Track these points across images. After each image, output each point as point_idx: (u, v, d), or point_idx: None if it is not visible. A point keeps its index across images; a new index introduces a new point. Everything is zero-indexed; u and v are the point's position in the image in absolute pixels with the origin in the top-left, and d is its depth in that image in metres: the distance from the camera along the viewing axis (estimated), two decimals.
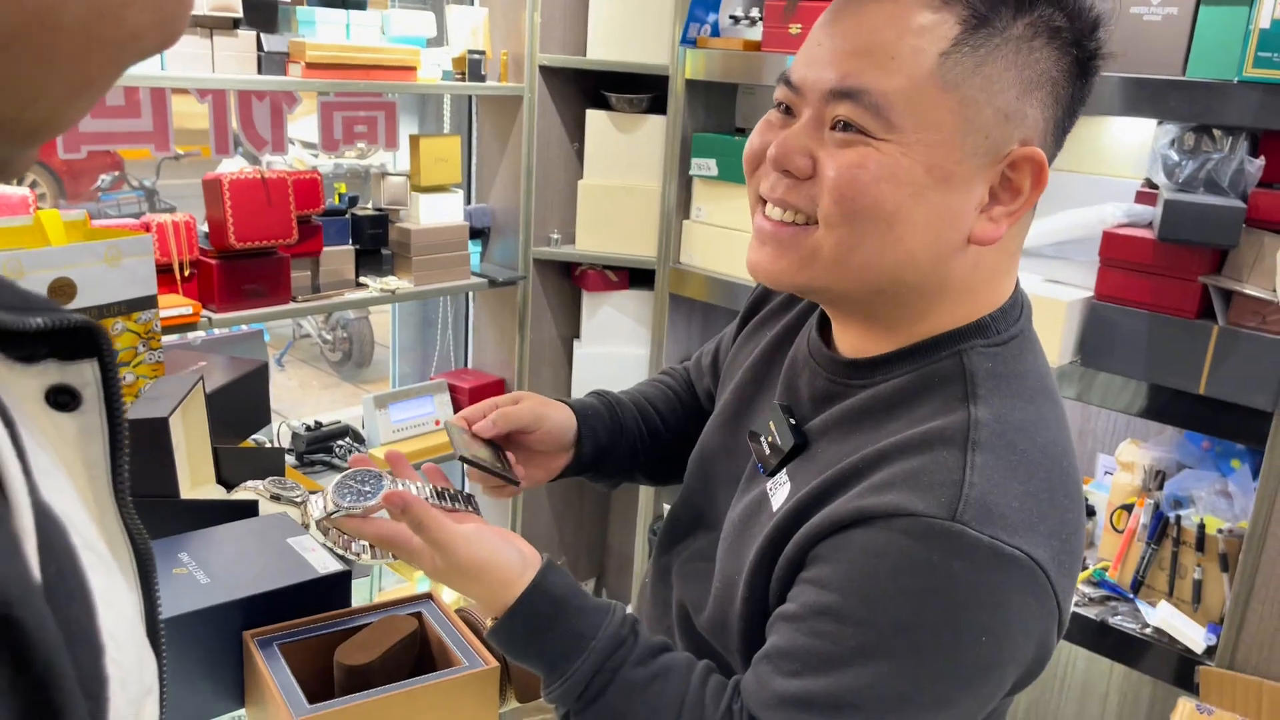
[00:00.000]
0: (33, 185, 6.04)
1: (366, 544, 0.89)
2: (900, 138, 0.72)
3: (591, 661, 0.78)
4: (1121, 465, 1.86)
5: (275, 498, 1.28)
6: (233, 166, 2.33)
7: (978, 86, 0.72)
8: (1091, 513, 1.96)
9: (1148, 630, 1.66)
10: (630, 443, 1.07)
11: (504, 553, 0.81)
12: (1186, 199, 1.50)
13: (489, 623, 0.82)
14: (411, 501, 0.79)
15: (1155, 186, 1.64)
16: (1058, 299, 1.66)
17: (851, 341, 0.85)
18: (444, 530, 0.79)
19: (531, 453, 1.00)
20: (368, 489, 0.82)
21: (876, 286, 0.78)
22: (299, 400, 5.38)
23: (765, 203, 0.80)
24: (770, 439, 0.87)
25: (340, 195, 2.37)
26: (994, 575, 0.70)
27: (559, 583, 0.81)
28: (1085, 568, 1.83)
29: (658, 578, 1.01)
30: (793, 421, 0.86)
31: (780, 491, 0.84)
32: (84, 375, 0.51)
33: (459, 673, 1.00)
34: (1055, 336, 1.67)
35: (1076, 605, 1.74)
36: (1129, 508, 1.79)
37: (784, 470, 0.85)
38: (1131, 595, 1.74)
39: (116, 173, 5.83)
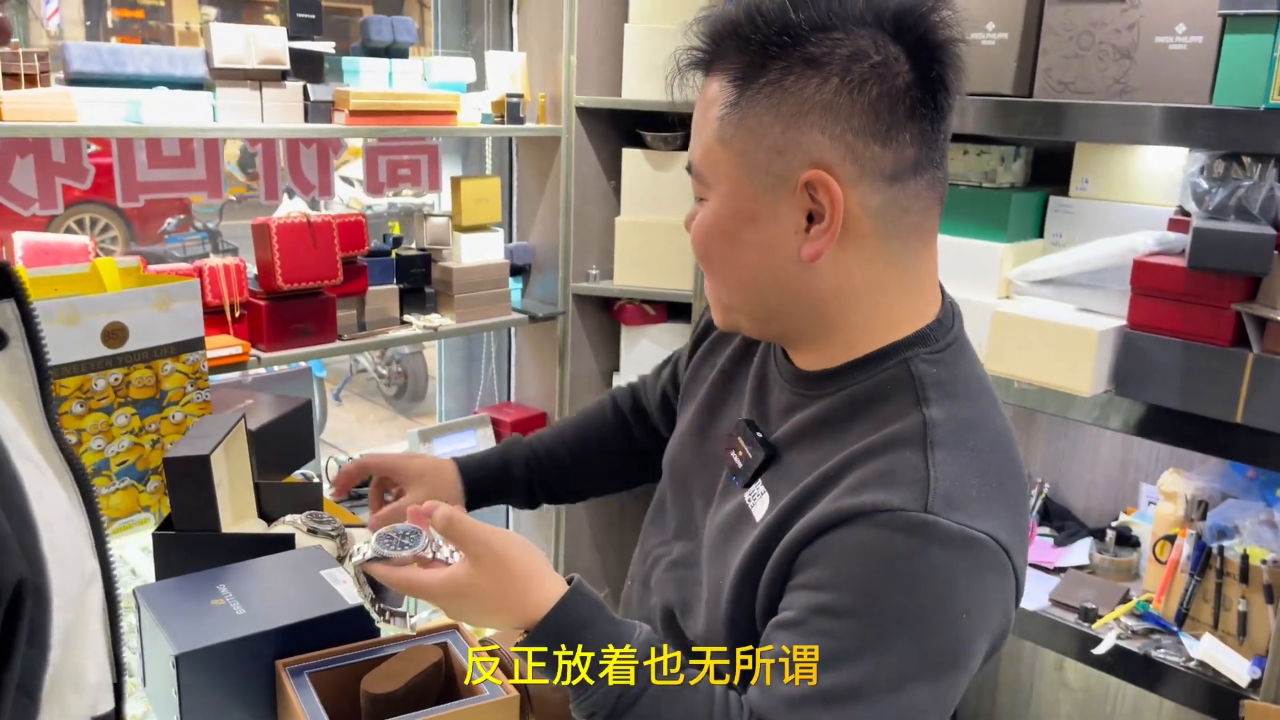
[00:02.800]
0: (104, 229, 6.31)
1: (371, 595, 0.99)
2: (713, 193, 0.87)
3: None
4: (1164, 495, 1.83)
5: (311, 531, 1.33)
6: (291, 208, 2.42)
7: (744, 137, 0.83)
8: (1136, 544, 1.93)
9: (1191, 664, 1.63)
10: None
11: (539, 559, 0.88)
12: (1216, 226, 1.49)
13: (520, 637, 0.85)
14: (452, 511, 0.88)
15: (1187, 214, 1.63)
16: (1090, 328, 1.66)
17: (806, 358, 0.92)
18: (484, 532, 0.87)
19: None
20: (406, 541, 0.92)
21: (765, 317, 0.90)
22: (355, 434, 5.49)
23: None
24: (741, 453, 0.94)
25: (385, 236, 2.45)
26: (967, 557, 0.78)
27: (593, 593, 0.86)
28: (1129, 599, 1.81)
29: (640, 587, 1.07)
30: (760, 435, 0.93)
31: (760, 502, 0.90)
32: (4, 314, 0.58)
33: (480, 701, 1.03)
34: (1088, 365, 1.65)
35: (1120, 639, 1.71)
36: (1172, 539, 1.76)
37: (760, 481, 0.91)
38: (1175, 628, 1.71)
39: (182, 216, 6.05)
